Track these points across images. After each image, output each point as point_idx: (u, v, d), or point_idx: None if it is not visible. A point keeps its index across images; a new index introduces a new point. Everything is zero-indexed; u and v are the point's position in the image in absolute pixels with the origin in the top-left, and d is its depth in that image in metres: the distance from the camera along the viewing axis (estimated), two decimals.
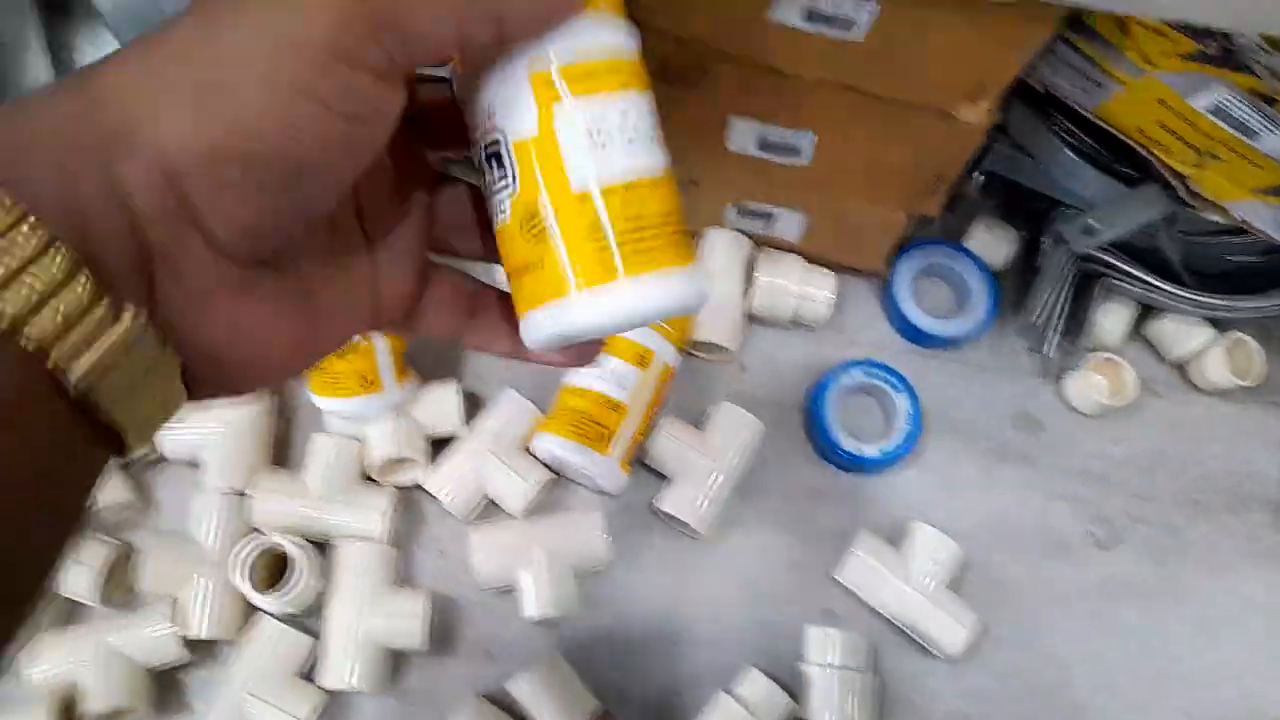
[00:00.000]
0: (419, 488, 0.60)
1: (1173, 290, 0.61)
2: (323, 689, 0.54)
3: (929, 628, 0.57)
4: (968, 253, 0.66)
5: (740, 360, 0.66)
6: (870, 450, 0.61)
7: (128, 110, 0.21)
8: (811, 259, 0.66)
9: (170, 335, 0.22)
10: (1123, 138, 0.54)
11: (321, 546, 0.58)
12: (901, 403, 0.62)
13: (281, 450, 0.62)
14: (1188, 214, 0.56)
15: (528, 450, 0.59)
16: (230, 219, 0.22)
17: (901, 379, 0.63)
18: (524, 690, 0.54)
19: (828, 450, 0.62)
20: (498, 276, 0.29)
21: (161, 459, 0.60)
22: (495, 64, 0.26)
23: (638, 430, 0.59)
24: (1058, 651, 0.59)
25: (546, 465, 0.59)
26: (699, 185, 0.61)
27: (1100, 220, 0.58)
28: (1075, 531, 0.62)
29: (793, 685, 0.56)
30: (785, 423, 0.64)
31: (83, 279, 0.19)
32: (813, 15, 0.46)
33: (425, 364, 0.62)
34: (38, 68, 0.50)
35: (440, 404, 0.60)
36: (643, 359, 0.59)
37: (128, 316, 0.20)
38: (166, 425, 0.23)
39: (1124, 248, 0.61)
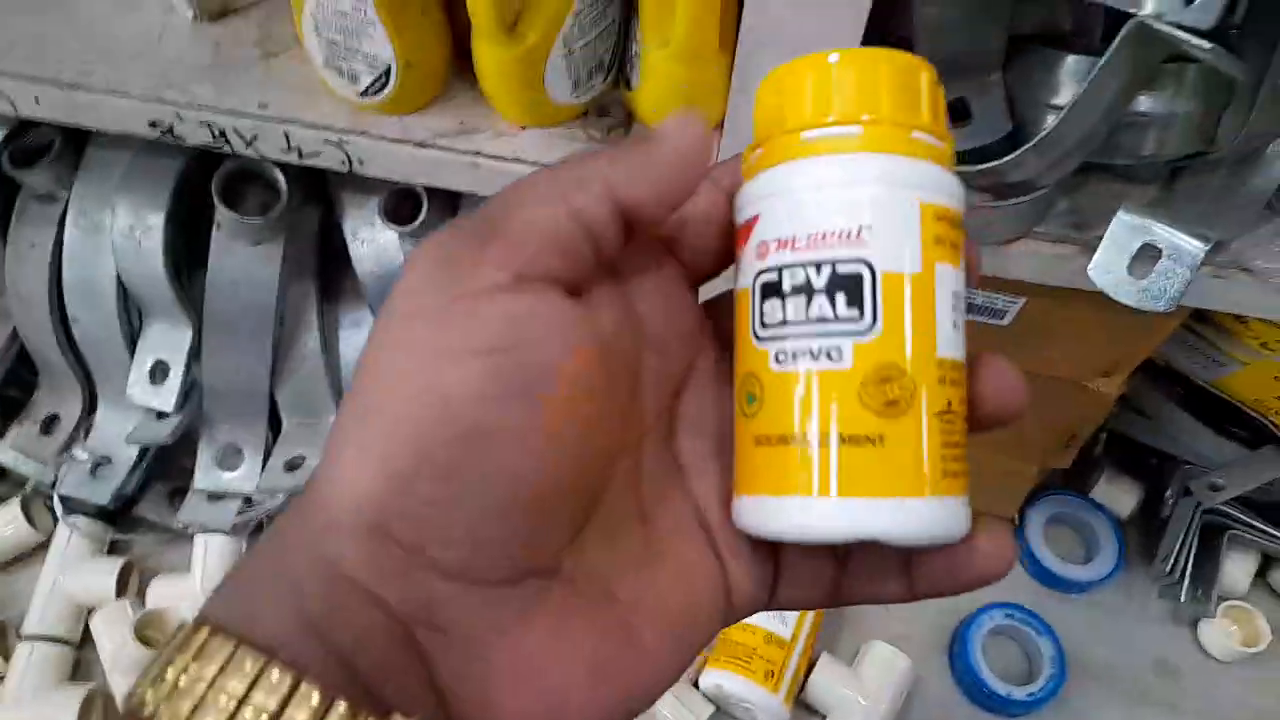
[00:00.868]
0: None
1: None
2: None
3: None
4: (1094, 502, 0.71)
5: None
6: (1019, 694, 0.64)
7: (319, 483, 0.20)
8: None
9: (460, 708, 0.20)
10: (1239, 406, 0.61)
11: None
12: (1045, 647, 0.65)
13: None
14: None
15: (694, 684, 0.63)
16: (446, 532, 0.20)
17: (1044, 623, 0.66)
18: None
19: (975, 691, 0.65)
20: None
21: None
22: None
23: (799, 667, 0.62)
24: None
25: (710, 699, 0.63)
26: None
27: (1226, 478, 0.63)
28: None
29: None
30: (929, 661, 0.67)
31: (340, 708, 0.17)
32: (969, 307, 0.54)
33: None
34: (312, 340, 0.60)
35: None
36: None
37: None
38: None
39: (1246, 501, 0.66)
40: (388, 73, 0.43)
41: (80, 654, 0.64)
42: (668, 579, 0.23)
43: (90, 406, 0.67)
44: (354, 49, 0.42)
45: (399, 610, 0.20)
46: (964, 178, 0.41)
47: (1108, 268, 0.37)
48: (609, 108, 0.46)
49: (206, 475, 0.66)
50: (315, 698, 0.17)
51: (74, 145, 0.59)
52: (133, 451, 0.65)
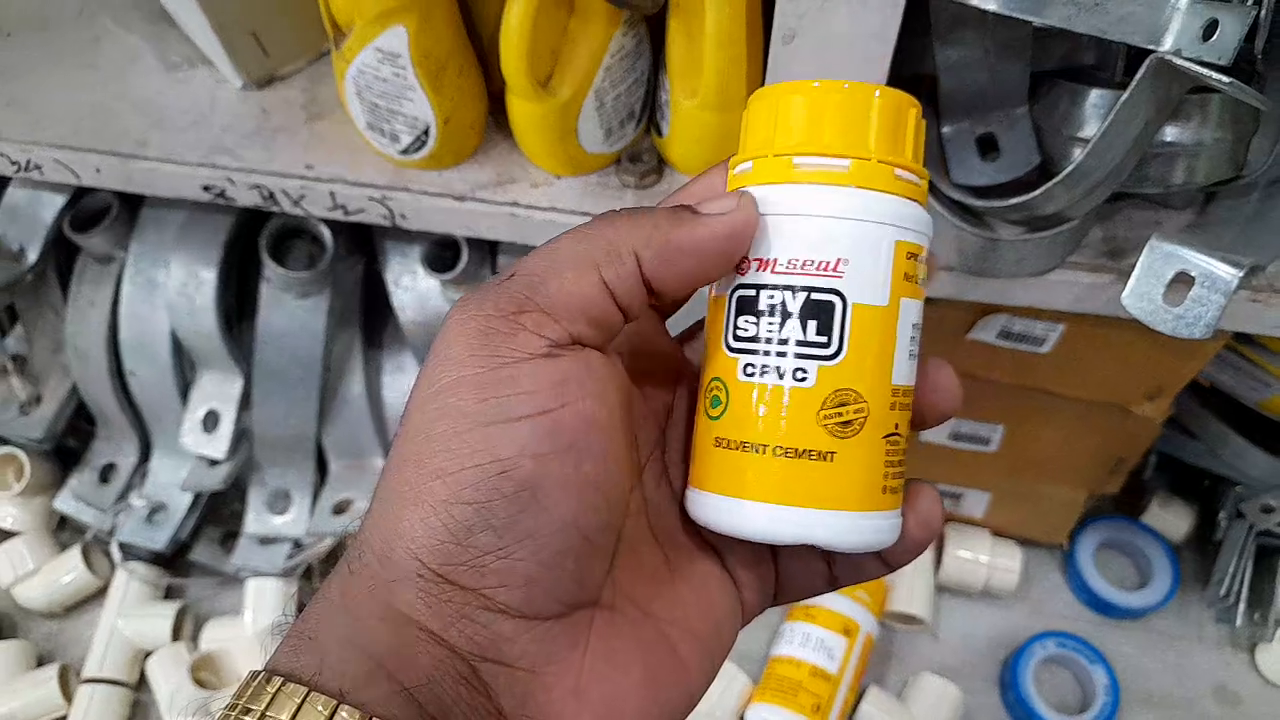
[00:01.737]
0: None
1: None
2: None
3: None
4: (1146, 527, 0.70)
5: (933, 629, 0.69)
6: None
7: (378, 543, 0.22)
8: (993, 531, 0.71)
9: None
10: None
11: None
12: (1098, 675, 0.64)
13: None
14: None
15: (740, 718, 0.63)
16: (505, 578, 0.21)
17: (1096, 652, 0.65)
18: None
19: None
20: None
21: None
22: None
23: (846, 701, 0.62)
24: None
25: None
26: None
27: (1278, 500, 0.62)
28: None
29: None
30: (979, 693, 0.66)
31: None
32: (1008, 334, 0.54)
33: None
34: (356, 385, 0.62)
35: None
36: (848, 629, 0.63)
37: None
38: None
39: None
40: (427, 132, 0.45)
41: (138, 695, 0.66)
42: (690, 593, 0.25)
43: (145, 455, 0.70)
44: (395, 111, 0.44)
45: (463, 649, 0.21)
46: (996, 212, 0.42)
47: (1142, 296, 0.36)
48: (641, 154, 0.47)
49: (257, 519, 0.68)
50: None
51: (129, 207, 0.62)
52: (187, 498, 0.67)
